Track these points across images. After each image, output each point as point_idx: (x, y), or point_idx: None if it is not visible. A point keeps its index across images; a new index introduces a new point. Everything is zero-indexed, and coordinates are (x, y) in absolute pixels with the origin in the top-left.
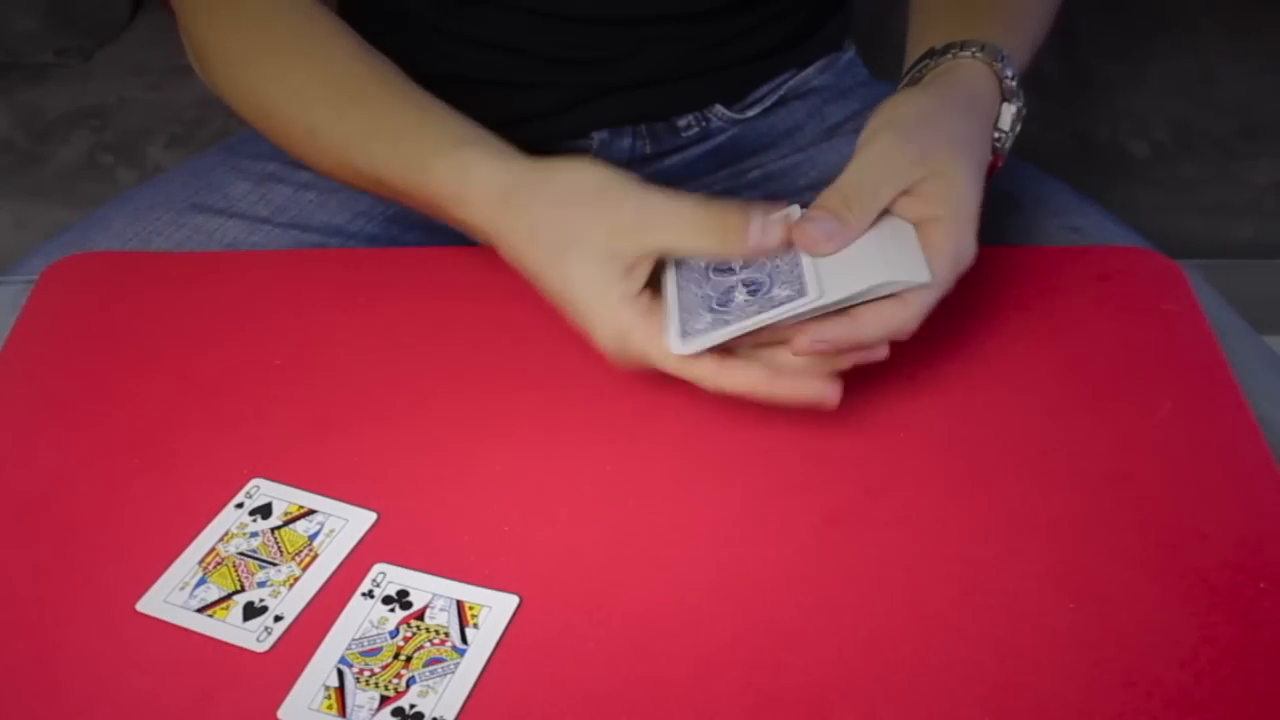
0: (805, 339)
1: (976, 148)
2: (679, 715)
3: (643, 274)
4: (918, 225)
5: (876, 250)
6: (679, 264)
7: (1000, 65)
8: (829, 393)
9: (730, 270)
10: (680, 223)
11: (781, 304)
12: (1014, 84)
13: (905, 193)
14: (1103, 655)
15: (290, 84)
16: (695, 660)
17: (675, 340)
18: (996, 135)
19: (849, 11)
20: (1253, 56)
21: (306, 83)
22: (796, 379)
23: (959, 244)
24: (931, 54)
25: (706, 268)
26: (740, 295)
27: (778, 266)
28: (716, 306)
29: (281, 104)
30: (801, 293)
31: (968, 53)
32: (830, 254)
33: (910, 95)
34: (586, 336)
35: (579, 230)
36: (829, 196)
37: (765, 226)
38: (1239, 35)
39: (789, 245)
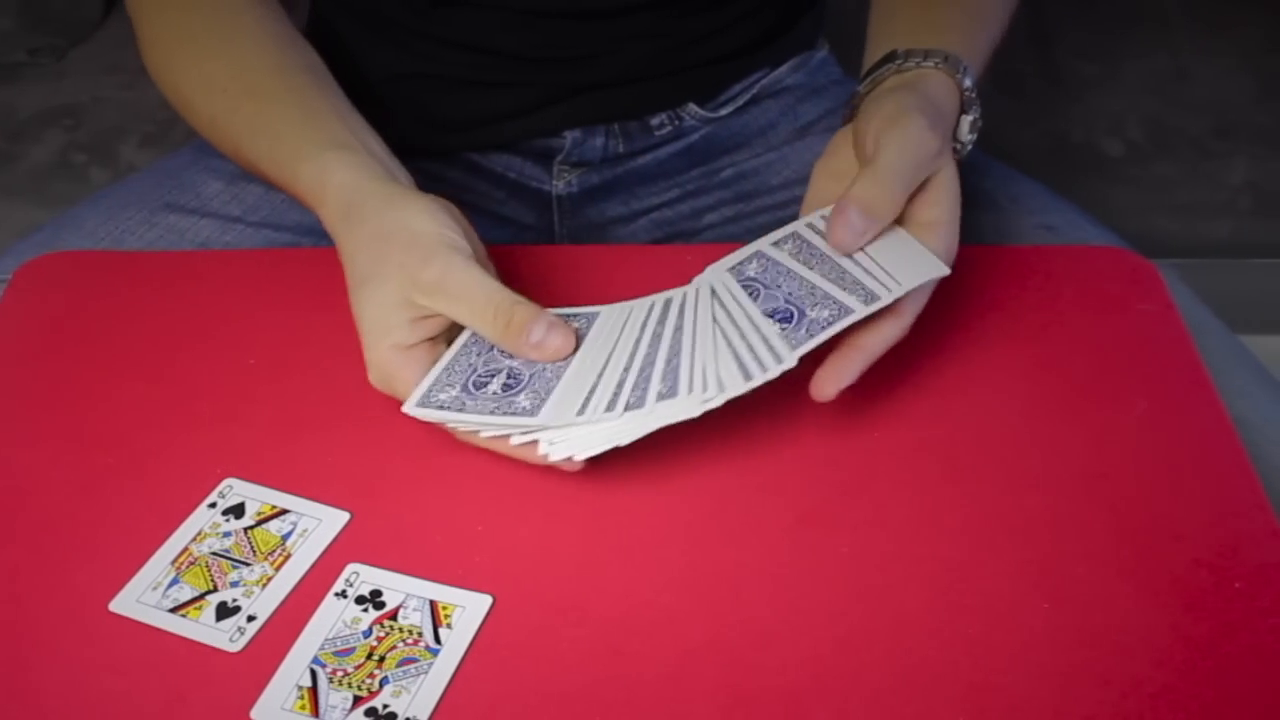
0: (831, 388)
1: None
2: (653, 715)
3: (428, 329)
4: (923, 226)
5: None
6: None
7: (960, 76)
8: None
9: (508, 356)
10: (472, 299)
11: (521, 415)
12: (973, 94)
13: (921, 187)
14: (1078, 655)
15: (202, 72)
16: (669, 660)
17: (412, 399)
18: (955, 146)
19: (822, 10)
20: (1227, 55)
21: (215, 72)
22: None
23: (950, 247)
24: (893, 58)
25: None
26: (495, 384)
27: (544, 372)
28: (471, 387)
29: (191, 91)
30: (544, 412)
31: (930, 63)
32: (854, 250)
33: (897, 94)
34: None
35: (384, 270)
36: (864, 187)
37: (549, 330)
38: (1213, 34)
39: (565, 353)
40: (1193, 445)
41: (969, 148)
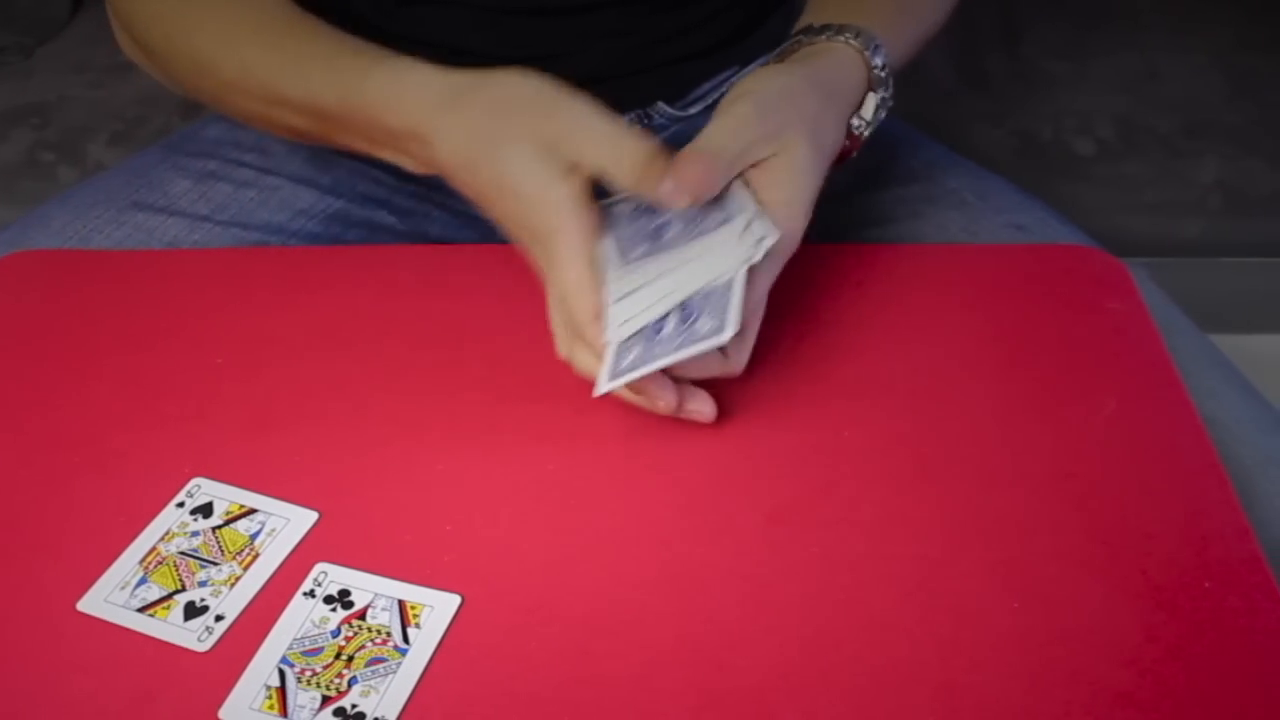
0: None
1: (828, 133)
2: (622, 715)
3: (581, 178)
4: (765, 205)
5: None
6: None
7: (870, 54)
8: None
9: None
10: (608, 145)
11: (710, 336)
12: (883, 74)
13: (753, 166)
14: (1047, 654)
15: (219, 28)
16: (638, 660)
17: (601, 379)
18: (856, 123)
19: (791, 9)
20: (1197, 53)
21: (236, 23)
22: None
23: (791, 230)
24: (809, 31)
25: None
26: (670, 324)
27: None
28: (651, 334)
29: (212, 49)
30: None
31: (842, 38)
32: (691, 205)
33: (774, 70)
34: (512, 223)
35: (513, 134)
36: (690, 155)
37: (678, 186)
38: (1183, 32)
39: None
40: (1163, 444)
41: (873, 126)
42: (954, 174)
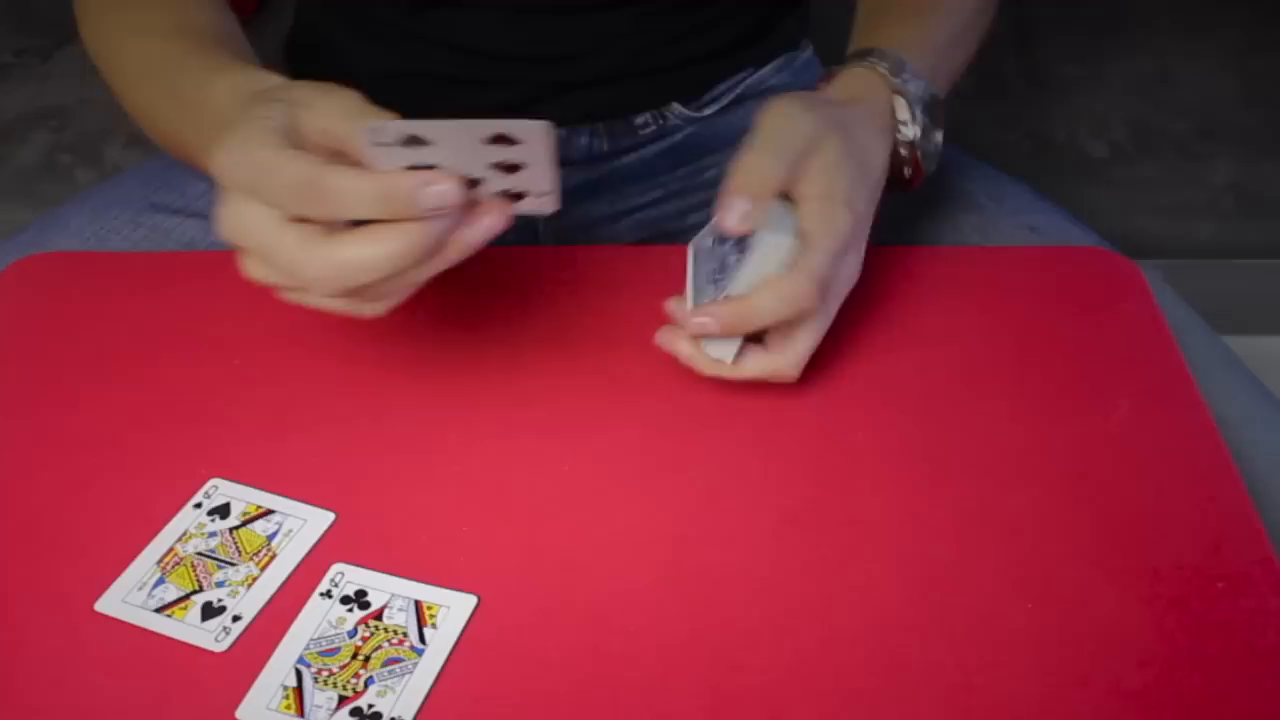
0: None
1: (861, 137)
2: (636, 715)
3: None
4: (799, 199)
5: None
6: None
7: (889, 69)
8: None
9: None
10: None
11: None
12: (908, 84)
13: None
14: (1060, 655)
15: (122, 64)
16: (653, 660)
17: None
18: (901, 135)
19: (806, 10)
20: (1210, 57)
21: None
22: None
23: (828, 225)
24: (863, 55)
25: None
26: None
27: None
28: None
29: (119, 86)
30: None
31: (864, 64)
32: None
33: (792, 96)
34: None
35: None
36: (739, 181)
37: (735, 221)
38: (1196, 36)
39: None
40: (1176, 445)
41: (933, 157)
42: (968, 176)
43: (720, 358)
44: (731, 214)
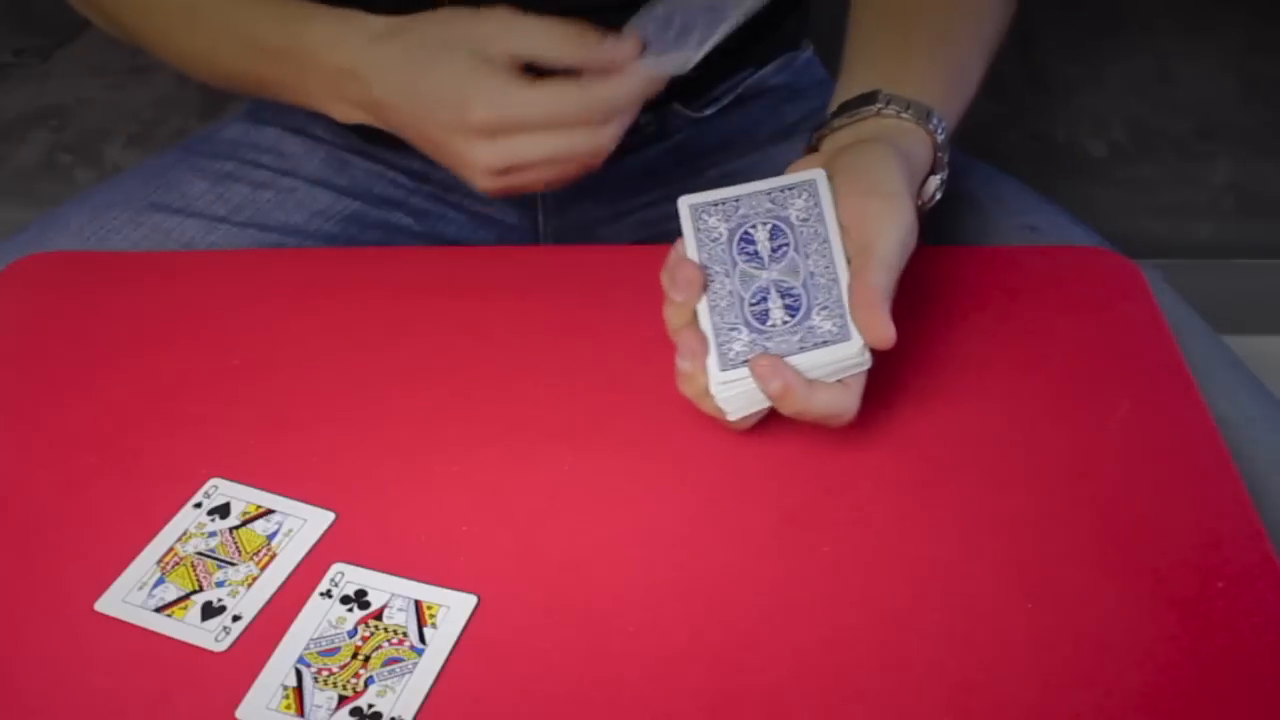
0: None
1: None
2: (637, 715)
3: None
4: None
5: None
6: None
7: (938, 135)
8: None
9: (755, 266)
10: (539, 29)
11: (836, 342)
12: (945, 157)
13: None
14: (1060, 655)
15: None
16: (653, 660)
17: (712, 371)
18: (919, 203)
19: (807, 11)
20: (1210, 56)
21: None
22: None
23: (896, 223)
24: (874, 99)
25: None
26: (776, 311)
27: (814, 277)
28: (753, 320)
29: None
30: (844, 337)
31: (911, 116)
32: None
33: (888, 158)
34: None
35: (447, 45)
36: (875, 279)
37: (616, 44)
38: (1196, 35)
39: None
40: (1176, 445)
41: (931, 204)
42: (968, 176)
43: (735, 411)
44: (886, 329)
